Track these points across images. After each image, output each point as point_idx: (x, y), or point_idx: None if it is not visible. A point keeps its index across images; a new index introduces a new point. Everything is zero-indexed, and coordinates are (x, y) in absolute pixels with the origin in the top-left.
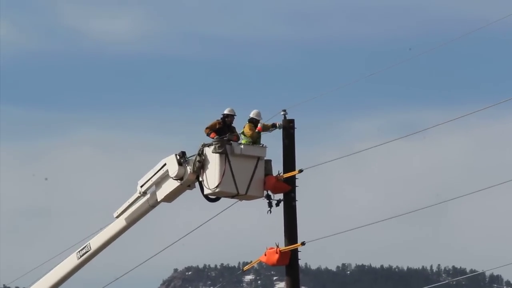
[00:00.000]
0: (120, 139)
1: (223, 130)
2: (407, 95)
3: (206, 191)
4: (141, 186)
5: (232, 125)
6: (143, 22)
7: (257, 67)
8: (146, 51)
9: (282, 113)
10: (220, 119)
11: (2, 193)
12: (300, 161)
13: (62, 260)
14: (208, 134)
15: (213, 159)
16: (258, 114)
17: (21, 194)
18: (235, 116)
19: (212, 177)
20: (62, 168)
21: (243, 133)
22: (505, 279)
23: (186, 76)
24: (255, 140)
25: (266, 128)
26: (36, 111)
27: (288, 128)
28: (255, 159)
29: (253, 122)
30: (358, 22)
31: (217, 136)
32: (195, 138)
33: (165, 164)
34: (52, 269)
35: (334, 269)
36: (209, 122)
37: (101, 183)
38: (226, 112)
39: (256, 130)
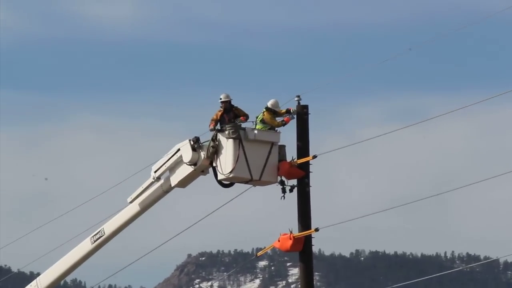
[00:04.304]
0: (120, 124)
1: (227, 116)
2: (408, 82)
3: (220, 177)
4: (155, 172)
5: (235, 106)
6: (142, 6)
7: (258, 52)
8: (145, 36)
9: (296, 99)
10: (220, 107)
11: (5, 179)
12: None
13: (75, 245)
14: (213, 128)
15: (227, 145)
16: (276, 104)
17: (24, 179)
18: (229, 100)
19: (225, 163)
20: (63, 153)
21: (262, 120)
22: None
23: (185, 61)
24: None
25: (279, 114)
26: (36, 96)
27: (302, 114)
28: (269, 144)
29: (271, 111)
30: (361, 8)
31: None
32: (195, 124)
33: (178, 150)
34: (65, 254)
35: (347, 255)
36: (213, 112)
37: (104, 167)
38: (222, 99)
39: (284, 121)
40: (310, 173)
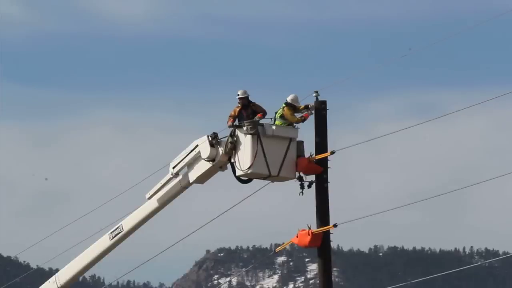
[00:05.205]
0: (138, 120)
1: (245, 112)
2: (425, 77)
3: (238, 173)
4: (173, 168)
5: (252, 102)
6: (158, 2)
7: (275, 48)
8: (162, 32)
9: (314, 94)
10: (238, 103)
11: (23, 175)
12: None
13: (94, 241)
14: (231, 124)
15: (245, 141)
16: (296, 100)
17: (42, 176)
18: (247, 96)
19: (244, 159)
20: (80, 149)
21: (281, 116)
22: None
23: (203, 57)
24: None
25: (298, 110)
26: (53, 92)
27: (320, 110)
28: (287, 140)
29: (291, 106)
30: (378, 3)
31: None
32: (213, 120)
33: (197, 146)
34: (84, 250)
35: (366, 251)
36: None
37: (121, 163)
38: (240, 95)
39: (304, 117)
40: (328, 169)
